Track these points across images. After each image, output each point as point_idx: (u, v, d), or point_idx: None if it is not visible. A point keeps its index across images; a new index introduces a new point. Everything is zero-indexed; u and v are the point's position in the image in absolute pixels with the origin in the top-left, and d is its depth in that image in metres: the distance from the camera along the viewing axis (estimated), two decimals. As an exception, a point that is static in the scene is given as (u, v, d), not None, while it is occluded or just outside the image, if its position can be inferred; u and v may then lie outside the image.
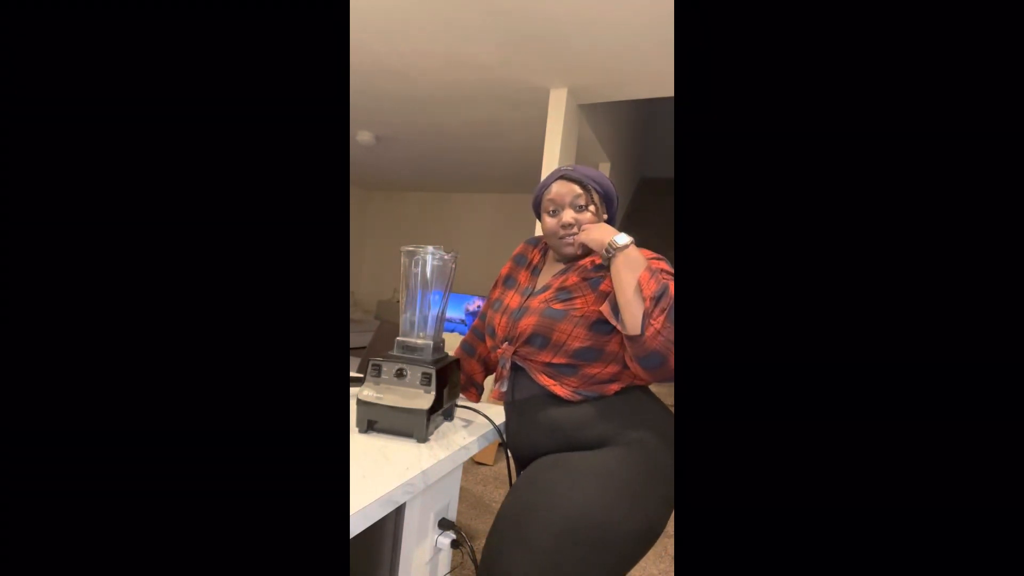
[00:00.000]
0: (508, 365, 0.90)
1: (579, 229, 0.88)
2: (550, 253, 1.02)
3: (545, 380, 0.85)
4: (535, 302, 0.89)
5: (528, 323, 0.86)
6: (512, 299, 0.96)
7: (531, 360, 0.87)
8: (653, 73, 2.34)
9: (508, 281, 1.02)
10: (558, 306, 0.85)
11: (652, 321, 0.71)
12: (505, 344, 0.90)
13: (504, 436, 0.95)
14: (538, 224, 2.76)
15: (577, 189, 0.90)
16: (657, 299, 0.72)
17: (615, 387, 0.84)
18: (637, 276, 0.74)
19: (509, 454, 0.97)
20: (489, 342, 0.97)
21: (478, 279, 4.83)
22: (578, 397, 0.84)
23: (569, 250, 0.91)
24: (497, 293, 1.02)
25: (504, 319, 0.92)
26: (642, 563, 1.73)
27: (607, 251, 0.78)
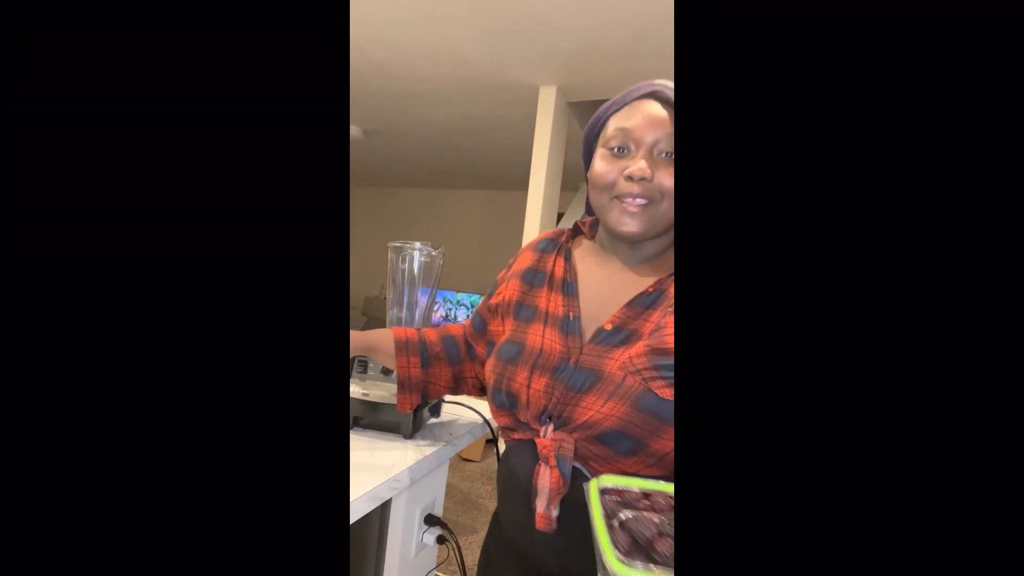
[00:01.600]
0: (570, 471, 0.50)
1: (654, 193, 0.52)
2: (582, 246, 0.63)
3: None
4: (612, 364, 0.50)
5: (607, 412, 0.49)
6: (546, 339, 0.55)
7: (599, 464, 0.50)
8: (644, 71, 2.35)
9: (521, 312, 0.60)
10: (667, 393, 0.47)
11: None
12: (550, 428, 0.52)
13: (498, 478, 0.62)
14: (527, 222, 2.76)
15: (672, 123, 0.51)
16: None
17: None
18: None
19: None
20: (502, 418, 0.57)
21: (466, 276, 4.82)
22: None
23: (629, 225, 0.53)
24: (507, 329, 0.61)
25: (542, 380, 0.53)
26: None
27: None
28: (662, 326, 0.50)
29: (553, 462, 0.49)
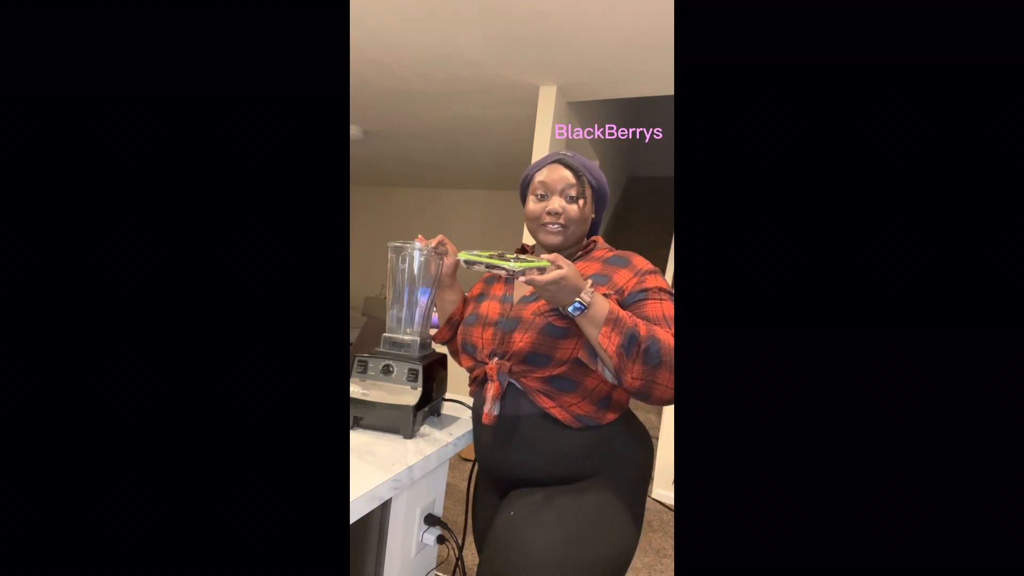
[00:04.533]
0: (506, 383, 0.80)
1: (565, 221, 0.84)
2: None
3: (544, 401, 0.78)
4: (527, 312, 0.80)
5: (526, 340, 0.78)
6: (490, 308, 0.87)
7: (527, 378, 0.79)
8: (643, 72, 2.35)
9: (480, 297, 0.93)
10: (560, 323, 0.76)
11: (627, 372, 0.69)
12: (496, 360, 0.80)
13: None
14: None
15: (571, 178, 0.84)
16: (625, 349, 0.69)
17: (611, 416, 0.80)
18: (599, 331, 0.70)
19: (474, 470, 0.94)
20: (467, 361, 0.88)
21: (465, 276, 4.81)
22: (577, 424, 0.78)
23: (551, 239, 0.85)
24: (469, 309, 0.92)
25: (488, 331, 0.83)
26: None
27: (569, 313, 0.71)
28: None
29: (494, 377, 0.79)
